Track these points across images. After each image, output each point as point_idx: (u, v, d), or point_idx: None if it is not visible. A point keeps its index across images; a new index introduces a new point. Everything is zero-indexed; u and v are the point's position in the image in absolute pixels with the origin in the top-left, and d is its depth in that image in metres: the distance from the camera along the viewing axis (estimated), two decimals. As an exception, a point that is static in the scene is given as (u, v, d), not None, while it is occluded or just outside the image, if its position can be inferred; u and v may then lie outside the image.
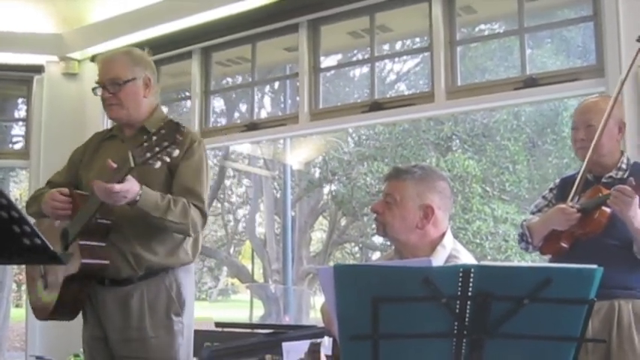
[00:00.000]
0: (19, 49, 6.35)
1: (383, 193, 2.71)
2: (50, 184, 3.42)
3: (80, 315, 3.31)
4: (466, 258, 2.59)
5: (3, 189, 2.50)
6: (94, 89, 3.29)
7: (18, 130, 10.44)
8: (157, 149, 2.69)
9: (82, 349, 3.47)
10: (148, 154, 2.70)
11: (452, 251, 2.61)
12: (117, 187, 2.80)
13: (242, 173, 19.53)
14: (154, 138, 2.71)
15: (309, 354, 2.42)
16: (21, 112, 8.90)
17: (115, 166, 2.79)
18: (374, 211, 2.69)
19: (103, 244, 3.08)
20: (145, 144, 2.71)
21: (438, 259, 2.54)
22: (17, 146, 10.01)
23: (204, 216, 3.15)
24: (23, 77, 6.63)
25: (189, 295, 3.29)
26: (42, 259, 2.74)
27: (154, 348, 3.15)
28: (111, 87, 3.22)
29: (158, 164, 2.73)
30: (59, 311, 3.20)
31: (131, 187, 2.84)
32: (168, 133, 2.69)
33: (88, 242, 3.05)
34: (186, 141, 3.18)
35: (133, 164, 2.75)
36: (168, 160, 2.73)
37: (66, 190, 3.11)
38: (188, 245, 3.28)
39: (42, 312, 3.29)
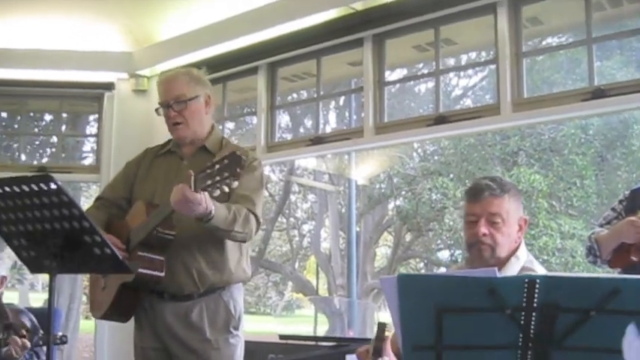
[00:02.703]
0: (91, 66, 6.52)
1: (484, 213, 2.59)
2: (101, 200, 3.47)
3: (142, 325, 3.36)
4: (540, 270, 2.56)
5: (75, 201, 2.59)
6: (157, 110, 3.33)
7: (89, 146, 10.73)
8: (218, 178, 2.69)
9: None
10: (209, 182, 2.71)
11: (526, 263, 2.58)
12: (194, 195, 2.79)
13: (307, 188, 19.64)
14: (217, 167, 2.71)
15: (378, 333, 2.36)
16: (92, 129, 9.14)
17: (193, 174, 2.79)
18: (482, 235, 2.57)
19: (161, 258, 3.12)
20: (208, 171, 2.72)
21: (511, 271, 2.51)
22: (88, 161, 10.27)
23: (259, 222, 3.19)
24: (95, 94, 6.79)
25: (242, 311, 3.37)
26: (111, 268, 2.82)
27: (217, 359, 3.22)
28: (176, 105, 3.25)
29: (217, 193, 2.74)
30: (112, 314, 3.28)
31: (205, 201, 2.84)
32: (230, 165, 2.69)
33: (147, 254, 3.09)
34: (248, 158, 3.24)
35: (193, 189, 2.76)
36: (227, 190, 2.74)
37: (121, 245, 3.13)
38: (247, 263, 3.35)
39: (97, 311, 3.36)
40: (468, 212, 2.64)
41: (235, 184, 2.75)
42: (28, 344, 4.07)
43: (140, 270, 3.06)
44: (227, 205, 3.00)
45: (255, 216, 3.15)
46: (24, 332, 4.11)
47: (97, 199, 3.53)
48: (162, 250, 3.11)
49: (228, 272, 3.23)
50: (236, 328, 3.28)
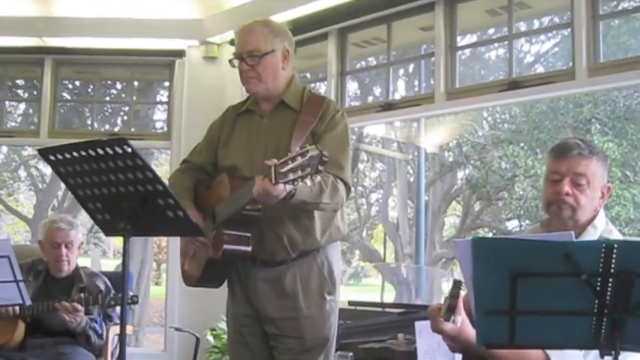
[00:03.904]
0: (162, 34, 6.59)
1: (569, 172, 2.48)
2: (187, 163, 3.41)
3: (214, 292, 3.38)
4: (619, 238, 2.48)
5: (149, 164, 2.62)
6: (231, 61, 3.21)
7: (160, 114, 10.89)
8: (300, 173, 2.54)
9: (221, 323, 3.48)
10: (291, 176, 2.56)
11: (604, 232, 2.49)
12: (275, 188, 2.68)
13: (376, 157, 19.54)
14: (299, 160, 2.53)
15: (452, 291, 2.33)
16: (163, 97, 9.27)
17: (275, 162, 2.60)
18: (565, 194, 2.46)
19: (248, 234, 3.03)
20: (289, 163, 2.56)
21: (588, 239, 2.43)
22: (159, 128, 10.43)
23: (348, 189, 3.07)
24: (165, 62, 6.88)
25: (339, 272, 3.25)
26: (184, 230, 2.85)
27: (309, 327, 3.13)
28: (249, 59, 3.12)
29: (299, 184, 2.65)
30: (203, 283, 3.25)
31: (286, 187, 2.71)
32: (312, 161, 2.51)
33: (233, 231, 3.02)
34: (330, 110, 3.13)
35: (274, 181, 2.62)
36: (309, 184, 2.62)
37: (201, 223, 3.06)
38: (340, 221, 3.22)
39: (189, 280, 3.33)
40: (552, 170, 2.52)
41: (318, 178, 2.68)
42: (79, 306, 3.98)
43: (226, 246, 3.00)
44: (312, 178, 2.74)
45: (344, 182, 3.04)
46: (81, 296, 4.03)
47: (183, 161, 3.46)
48: (249, 227, 3.03)
49: (319, 233, 3.13)
50: (330, 294, 3.18)
